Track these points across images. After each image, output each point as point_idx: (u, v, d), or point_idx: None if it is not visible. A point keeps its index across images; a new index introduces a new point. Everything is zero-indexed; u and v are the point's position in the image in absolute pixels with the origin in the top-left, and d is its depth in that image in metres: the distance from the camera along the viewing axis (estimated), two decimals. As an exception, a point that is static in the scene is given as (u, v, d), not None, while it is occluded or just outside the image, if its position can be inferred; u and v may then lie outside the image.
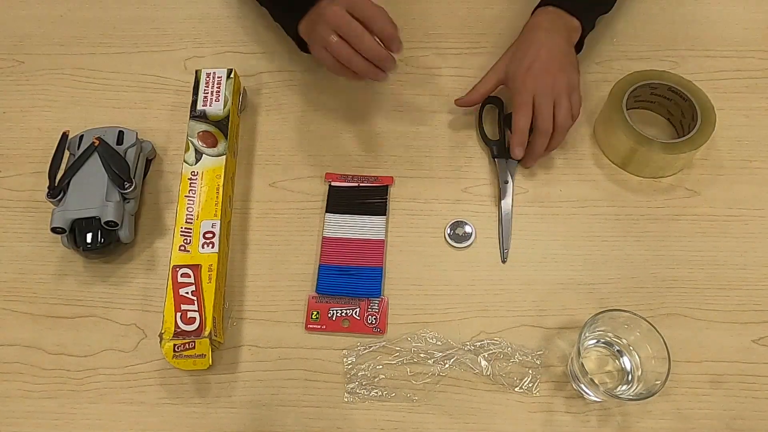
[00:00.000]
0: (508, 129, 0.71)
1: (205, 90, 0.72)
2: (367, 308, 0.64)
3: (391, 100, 0.76)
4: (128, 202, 0.67)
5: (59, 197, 0.66)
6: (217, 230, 0.64)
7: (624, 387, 0.59)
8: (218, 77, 0.73)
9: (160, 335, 0.60)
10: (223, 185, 0.67)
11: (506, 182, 0.71)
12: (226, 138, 0.69)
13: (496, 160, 0.72)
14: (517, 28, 0.81)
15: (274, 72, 0.79)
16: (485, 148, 0.73)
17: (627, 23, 0.81)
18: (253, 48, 0.81)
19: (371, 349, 0.63)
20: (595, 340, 0.62)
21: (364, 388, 0.61)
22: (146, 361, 0.63)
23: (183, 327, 0.59)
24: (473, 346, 0.62)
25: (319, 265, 0.66)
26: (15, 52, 0.82)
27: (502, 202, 0.70)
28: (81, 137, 0.69)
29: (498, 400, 0.60)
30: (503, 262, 0.67)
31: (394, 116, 0.76)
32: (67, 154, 0.69)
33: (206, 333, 0.59)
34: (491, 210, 0.70)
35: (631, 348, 0.60)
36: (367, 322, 0.64)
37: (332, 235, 0.68)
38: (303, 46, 0.71)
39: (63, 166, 0.68)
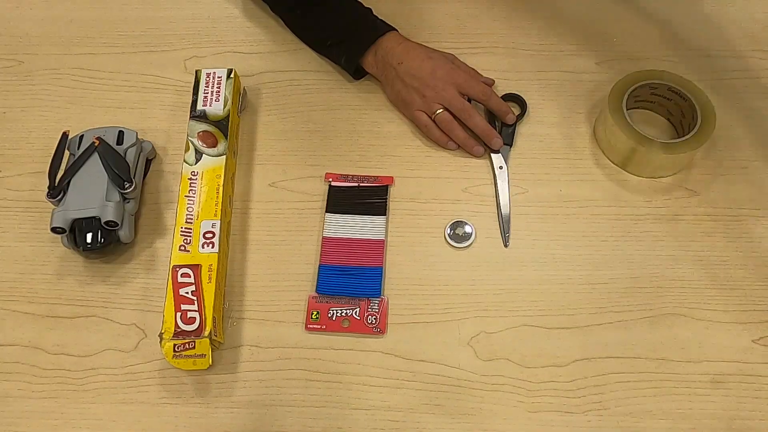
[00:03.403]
0: (496, 119, 0.74)
1: (205, 90, 0.72)
2: (367, 308, 0.64)
3: (391, 100, 0.76)
4: (128, 202, 0.67)
5: (59, 197, 0.66)
6: (217, 230, 0.64)
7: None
8: (218, 77, 0.73)
9: (160, 335, 0.60)
10: (223, 185, 0.67)
11: (501, 168, 0.71)
12: (226, 138, 0.69)
13: (489, 146, 0.73)
14: (517, 28, 0.81)
15: (274, 72, 0.79)
16: (484, 147, 0.73)
17: (627, 23, 0.81)
18: (253, 48, 0.81)
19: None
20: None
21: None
22: (146, 361, 0.63)
23: (183, 327, 0.59)
24: (474, 345, 0.62)
25: (319, 265, 0.66)
26: (15, 52, 0.82)
27: (499, 188, 0.70)
28: (81, 137, 0.69)
29: (498, 400, 0.60)
30: (505, 246, 0.67)
31: (394, 116, 0.76)
32: (67, 154, 0.69)
33: (206, 333, 0.59)
34: (491, 210, 0.70)
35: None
36: (367, 322, 0.64)
37: (332, 235, 0.68)
38: (356, 74, 0.77)
39: (63, 166, 0.68)
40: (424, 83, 0.71)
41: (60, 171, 0.68)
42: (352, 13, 0.76)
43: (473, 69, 0.75)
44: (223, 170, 0.67)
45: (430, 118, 0.72)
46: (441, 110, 0.71)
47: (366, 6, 0.76)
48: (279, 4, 0.80)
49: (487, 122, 0.72)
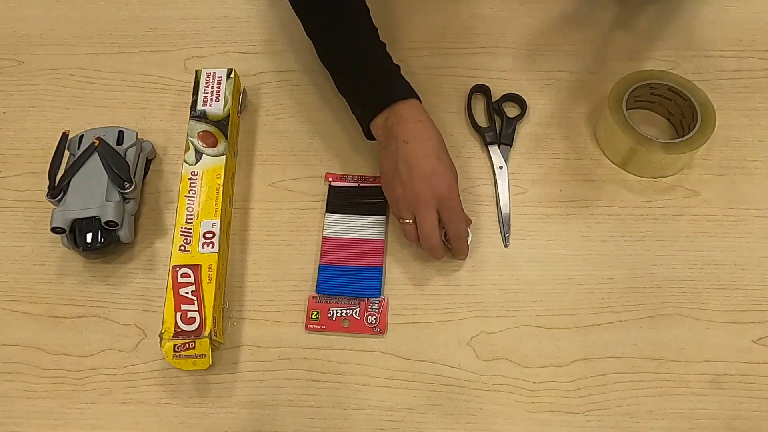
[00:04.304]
0: (498, 116, 0.74)
1: (205, 90, 0.72)
2: (367, 308, 0.64)
3: (391, 100, 0.76)
4: (128, 202, 0.67)
5: (59, 197, 0.66)
6: (217, 230, 0.64)
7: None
8: (218, 77, 0.73)
9: (160, 335, 0.60)
10: (223, 185, 0.67)
11: (501, 167, 0.71)
12: (226, 138, 0.69)
13: (488, 146, 0.72)
14: (517, 28, 0.81)
15: (274, 72, 0.79)
16: (483, 147, 0.73)
17: (627, 23, 0.81)
18: (253, 48, 0.81)
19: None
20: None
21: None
22: (146, 361, 0.63)
23: (183, 327, 0.59)
24: (474, 345, 0.62)
25: (319, 265, 0.66)
26: (15, 52, 0.82)
27: (499, 187, 0.70)
28: (81, 137, 0.69)
29: (498, 400, 0.60)
30: (505, 246, 0.67)
31: (394, 116, 0.75)
32: (67, 154, 0.69)
33: (206, 333, 0.59)
34: (491, 210, 0.70)
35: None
36: (367, 322, 0.64)
37: (332, 235, 0.68)
38: (371, 136, 0.68)
39: (63, 166, 0.68)
40: (412, 181, 0.62)
41: (60, 171, 0.68)
42: (378, 65, 0.67)
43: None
44: (223, 170, 0.67)
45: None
46: (409, 221, 0.63)
47: (395, 62, 0.68)
48: (309, 29, 0.72)
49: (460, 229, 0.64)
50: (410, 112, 0.64)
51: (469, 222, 0.66)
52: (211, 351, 0.60)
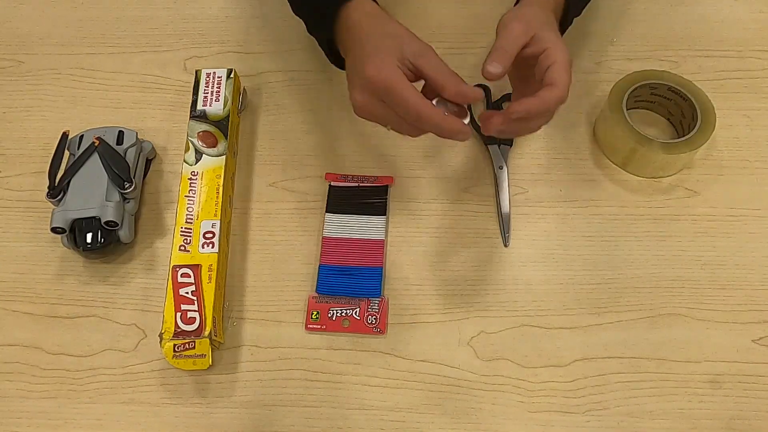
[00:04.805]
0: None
1: (205, 90, 0.72)
2: (367, 308, 0.64)
3: (391, 100, 0.76)
4: (128, 202, 0.67)
5: (59, 197, 0.66)
6: (217, 230, 0.64)
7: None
8: (218, 77, 0.73)
9: (160, 335, 0.60)
10: (223, 185, 0.67)
11: (501, 167, 0.71)
12: (226, 138, 0.69)
13: (488, 146, 0.72)
14: (517, 28, 0.81)
15: (274, 72, 0.79)
16: (483, 147, 0.73)
17: (627, 23, 0.81)
18: (253, 48, 0.81)
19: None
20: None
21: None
22: (146, 361, 0.63)
23: (183, 327, 0.59)
24: (474, 345, 0.62)
25: (319, 265, 0.66)
26: (15, 52, 0.82)
27: (499, 187, 0.70)
28: (81, 137, 0.69)
29: (498, 400, 0.61)
30: (505, 246, 0.67)
31: (394, 116, 0.75)
32: (67, 154, 0.69)
33: (206, 333, 0.59)
34: (491, 210, 0.70)
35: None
36: (367, 322, 0.64)
37: (332, 235, 0.68)
38: (337, 60, 0.63)
39: (63, 166, 0.68)
40: (354, 94, 0.55)
41: (60, 171, 0.68)
42: None
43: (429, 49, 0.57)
44: (223, 170, 0.67)
45: None
46: (387, 127, 0.58)
47: None
48: None
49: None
50: (354, 15, 0.57)
51: (466, 109, 0.57)
52: (211, 351, 0.60)
